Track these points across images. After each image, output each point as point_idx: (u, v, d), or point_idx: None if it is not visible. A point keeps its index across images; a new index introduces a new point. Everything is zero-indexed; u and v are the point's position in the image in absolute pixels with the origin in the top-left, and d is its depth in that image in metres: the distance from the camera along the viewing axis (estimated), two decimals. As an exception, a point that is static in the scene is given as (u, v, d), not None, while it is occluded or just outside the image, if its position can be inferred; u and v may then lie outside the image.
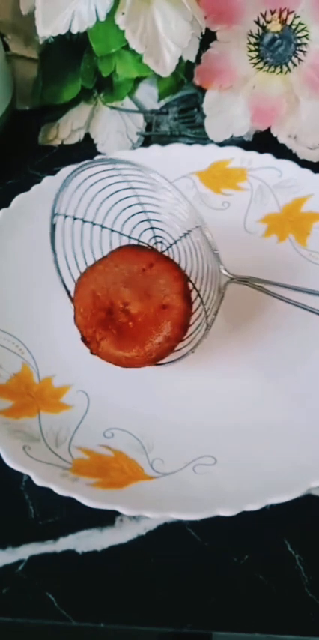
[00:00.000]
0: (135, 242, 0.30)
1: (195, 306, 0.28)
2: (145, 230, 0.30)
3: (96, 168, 0.28)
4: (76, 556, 0.25)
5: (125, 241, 0.30)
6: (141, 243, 0.30)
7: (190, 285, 0.28)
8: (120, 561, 0.25)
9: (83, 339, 0.28)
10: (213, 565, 0.25)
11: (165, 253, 0.30)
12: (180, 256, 0.29)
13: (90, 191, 0.29)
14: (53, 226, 0.30)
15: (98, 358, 0.28)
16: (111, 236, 0.30)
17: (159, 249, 0.30)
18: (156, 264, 0.28)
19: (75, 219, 0.30)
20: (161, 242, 0.30)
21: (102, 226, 0.30)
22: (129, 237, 0.30)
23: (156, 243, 0.30)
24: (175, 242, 0.29)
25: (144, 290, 0.27)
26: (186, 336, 0.28)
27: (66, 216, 0.29)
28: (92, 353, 0.28)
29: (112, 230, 0.30)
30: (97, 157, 0.27)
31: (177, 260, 0.29)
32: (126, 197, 0.29)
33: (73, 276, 0.30)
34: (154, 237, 0.30)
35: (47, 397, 0.29)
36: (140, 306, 0.27)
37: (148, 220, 0.30)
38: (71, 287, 0.30)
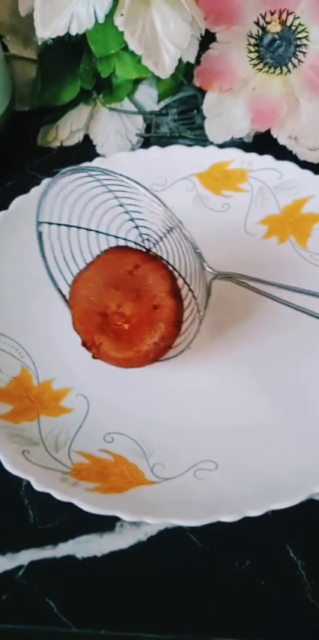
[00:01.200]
0: (122, 241, 0.30)
1: (187, 300, 0.28)
2: (131, 229, 0.30)
3: (73, 176, 0.28)
4: (76, 562, 0.25)
5: (112, 241, 0.31)
6: (127, 244, 0.30)
7: (181, 280, 0.28)
8: (121, 567, 0.25)
9: (84, 344, 0.28)
10: (214, 571, 0.24)
11: (153, 249, 0.30)
12: (168, 252, 0.29)
13: (71, 197, 0.29)
14: (39, 234, 0.30)
15: (99, 361, 0.28)
16: (98, 237, 0.30)
17: (147, 247, 0.30)
18: (142, 265, 0.28)
19: (59, 225, 0.30)
20: (147, 239, 0.30)
21: (87, 229, 0.30)
22: (116, 237, 0.31)
23: (143, 240, 0.30)
24: (161, 238, 0.29)
25: (135, 291, 0.27)
26: (181, 332, 0.28)
27: (50, 224, 0.30)
28: (94, 357, 0.28)
29: (98, 232, 0.30)
30: (68, 168, 0.28)
31: (165, 256, 0.29)
32: (107, 200, 0.29)
33: (67, 281, 0.30)
34: (140, 235, 0.30)
35: (47, 401, 0.29)
36: (133, 308, 0.27)
37: (132, 220, 0.30)
38: (66, 292, 0.30)
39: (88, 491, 0.25)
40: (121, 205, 0.30)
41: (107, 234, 0.30)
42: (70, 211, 0.30)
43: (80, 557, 0.25)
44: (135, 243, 0.30)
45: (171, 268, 0.28)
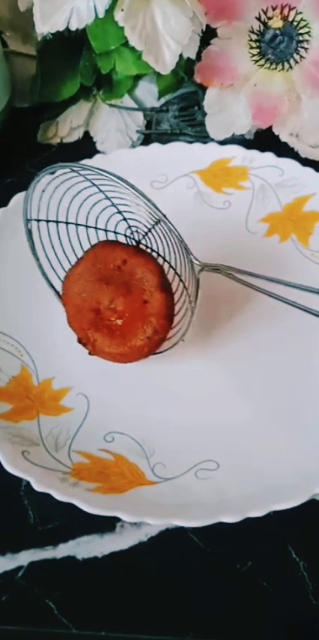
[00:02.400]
0: (112, 234, 0.30)
1: (179, 292, 0.28)
2: (119, 222, 0.30)
3: (59, 173, 0.28)
4: (76, 562, 0.25)
5: (102, 235, 0.30)
6: (117, 237, 0.30)
7: (172, 272, 0.28)
8: (121, 568, 0.24)
9: (79, 341, 0.28)
10: (215, 572, 0.24)
11: (143, 241, 0.30)
12: (157, 244, 0.29)
13: (57, 194, 0.29)
14: (29, 232, 0.30)
15: (99, 360, 0.28)
16: (88, 232, 0.30)
17: (137, 238, 0.30)
18: (130, 260, 0.28)
19: (48, 222, 0.30)
20: (136, 231, 0.30)
21: (76, 224, 0.30)
22: (106, 231, 0.30)
23: (132, 232, 0.30)
24: (149, 230, 0.29)
25: (125, 286, 0.27)
26: (174, 324, 0.28)
27: (39, 221, 0.30)
28: (90, 354, 0.28)
29: (87, 226, 0.30)
30: (47, 167, 0.28)
31: (155, 247, 0.29)
32: (93, 194, 0.29)
33: (60, 278, 0.29)
34: (129, 227, 0.30)
35: (47, 400, 0.28)
36: (124, 302, 0.27)
37: (119, 212, 0.30)
38: (59, 288, 0.29)
39: (89, 491, 0.25)
40: (108, 199, 0.29)
41: (96, 227, 0.30)
42: (57, 208, 0.30)
43: (80, 557, 0.25)
44: (125, 235, 0.30)
45: (160, 261, 0.28)
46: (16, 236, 0.34)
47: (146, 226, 0.29)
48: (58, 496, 0.24)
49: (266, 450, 0.26)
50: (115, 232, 0.30)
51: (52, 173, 0.28)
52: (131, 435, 0.27)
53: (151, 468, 0.26)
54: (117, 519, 0.25)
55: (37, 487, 0.24)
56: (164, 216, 0.26)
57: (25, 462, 0.25)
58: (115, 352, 0.27)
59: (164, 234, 0.28)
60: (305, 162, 0.36)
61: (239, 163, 0.37)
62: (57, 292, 0.30)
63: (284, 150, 0.37)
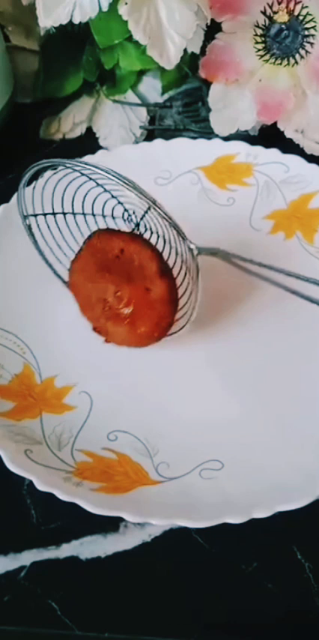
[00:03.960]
0: (110, 218, 0.30)
1: (181, 274, 0.28)
2: (115, 206, 0.30)
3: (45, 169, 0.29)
4: (79, 563, 0.24)
5: (100, 221, 0.30)
6: (113, 223, 0.30)
7: (172, 253, 0.28)
8: (125, 568, 0.24)
9: (95, 330, 0.28)
10: (220, 573, 0.24)
11: (141, 223, 0.29)
12: (156, 225, 0.29)
13: (48, 187, 0.29)
14: (28, 228, 0.30)
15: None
16: (86, 219, 0.30)
17: (135, 221, 0.30)
18: (127, 247, 0.27)
19: (45, 215, 0.30)
20: (134, 213, 0.30)
21: (73, 213, 0.30)
22: (103, 216, 0.30)
23: (129, 215, 0.30)
24: (146, 212, 0.29)
25: (126, 274, 0.27)
26: (180, 306, 0.28)
27: (36, 215, 0.30)
28: (106, 342, 0.28)
29: (84, 214, 0.30)
30: (33, 165, 0.28)
31: (154, 228, 0.29)
32: (83, 183, 0.29)
33: (66, 266, 0.30)
34: (126, 210, 0.30)
35: (49, 398, 0.28)
36: (129, 290, 0.27)
37: (114, 197, 0.30)
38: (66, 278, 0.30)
39: (92, 491, 0.24)
40: (100, 186, 0.29)
41: (93, 214, 0.30)
42: (51, 200, 0.30)
43: (83, 558, 0.24)
44: (123, 219, 0.30)
45: (160, 242, 0.28)
46: (18, 232, 0.33)
47: (142, 209, 0.29)
48: (61, 496, 0.24)
49: (272, 449, 0.26)
50: (113, 217, 0.30)
51: (39, 172, 0.28)
52: (134, 433, 0.27)
53: (155, 467, 0.26)
54: (121, 519, 0.24)
55: (40, 486, 0.24)
56: (154, 202, 0.26)
57: (27, 461, 0.25)
58: (128, 339, 0.27)
59: (161, 217, 0.28)
60: (311, 158, 0.36)
61: (243, 160, 0.37)
62: (65, 283, 0.30)
63: (289, 146, 0.36)
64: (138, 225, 0.30)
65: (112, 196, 0.30)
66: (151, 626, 0.23)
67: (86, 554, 0.25)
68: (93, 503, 0.23)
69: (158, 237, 0.28)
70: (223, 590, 0.24)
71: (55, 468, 0.25)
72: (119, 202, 0.30)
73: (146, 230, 0.29)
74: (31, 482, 0.24)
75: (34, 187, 0.30)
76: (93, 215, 0.30)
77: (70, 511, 0.24)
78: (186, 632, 0.23)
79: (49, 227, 0.30)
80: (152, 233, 0.29)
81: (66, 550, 0.25)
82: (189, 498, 0.24)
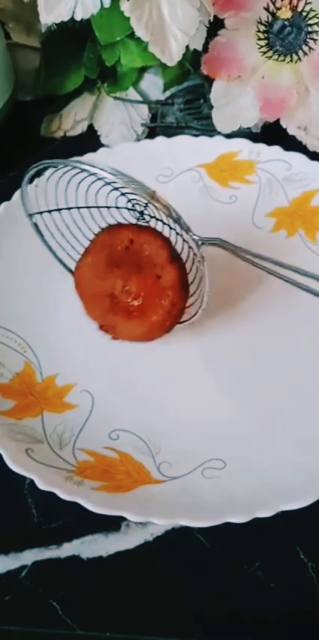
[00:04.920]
0: (114, 209, 0.30)
1: (190, 260, 0.28)
2: (118, 197, 0.30)
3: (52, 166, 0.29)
4: (80, 562, 0.24)
5: (104, 212, 0.30)
6: (117, 213, 0.30)
7: (180, 241, 0.28)
8: (127, 568, 0.24)
9: (101, 328, 0.28)
10: (222, 572, 0.24)
11: (146, 212, 0.30)
12: (161, 214, 0.29)
13: (51, 183, 0.29)
14: (35, 226, 0.30)
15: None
16: (91, 212, 0.30)
17: (138, 210, 0.30)
18: (136, 238, 0.27)
19: (50, 212, 0.30)
20: (137, 203, 0.30)
21: (78, 207, 0.30)
22: (108, 207, 0.30)
23: (133, 205, 0.30)
24: (147, 203, 0.29)
25: (136, 265, 0.27)
26: (191, 293, 0.28)
27: (41, 213, 0.30)
28: (113, 339, 0.28)
29: (89, 207, 0.30)
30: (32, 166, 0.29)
31: (160, 216, 0.29)
32: (85, 177, 0.29)
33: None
34: (129, 200, 0.30)
35: (50, 397, 0.28)
36: (138, 282, 0.27)
37: (116, 189, 0.30)
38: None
39: (93, 490, 0.24)
40: (102, 179, 0.29)
41: (98, 206, 0.30)
42: (55, 196, 0.30)
43: (85, 557, 0.24)
44: (127, 208, 0.30)
45: (166, 229, 0.28)
46: (20, 231, 0.33)
47: (145, 198, 0.29)
48: (63, 495, 0.24)
49: (275, 448, 0.26)
50: (117, 207, 0.30)
51: (39, 171, 0.28)
52: (136, 432, 0.27)
53: (157, 466, 0.25)
54: (123, 518, 0.24)
55: (41, 485, 0.24)
56: (152, 196, 0.26)
57: (28, 460, 0.25)
58: (138, 332, 0.27)
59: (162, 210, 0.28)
60: (314, 155, 0.36)
61: (245, 157, 0.37)
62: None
63: (291, 143, 0.36)
64: (142, 213, 0.29)
65: (115, 188, 0.30)
66: (153, 625, 0.23)
67: (87, 553, 0.24)
68: (95, 503, 0.23)
69: (163, 225, 0.28)
70: (225, 589, 0.24)
71: (56, 467, 0.25)
72: (122, 194, 0.30)
73: (151, 218, 0.29)
74: (32, 481, 0.24)
75: (36, 185, 0.30)
76: (98, 207, 0.30)
77: (71, 510, 0.24)
78: (187, 632, 0.23)
79: (55, 223, 0.30)
80: (157, 221, 0.29)
81: (67, 549, 0.25)
82: (191, 498, 0.24)
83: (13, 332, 0.30)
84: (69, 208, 0.30)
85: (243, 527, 0.23)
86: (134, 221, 0.30)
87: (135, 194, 0.29)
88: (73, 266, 0.30)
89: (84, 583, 0.24)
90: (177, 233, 0.28)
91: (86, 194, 0.30)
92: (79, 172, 0.28)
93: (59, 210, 0.30)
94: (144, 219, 0.30)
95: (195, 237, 0.28)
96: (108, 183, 0.29)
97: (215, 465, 0.25)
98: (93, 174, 0.27)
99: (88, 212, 0.30)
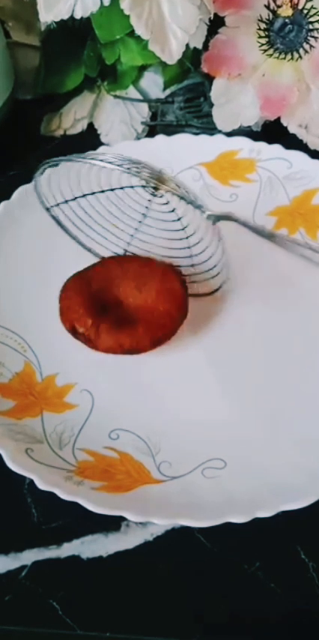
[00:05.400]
0: (129, 189, 0.31)
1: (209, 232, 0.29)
2: (132, 177, 0.30)
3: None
4: (80, 562, 0.24)
5: (120, 194, 0.31)
6: (132, 190, 0.31)
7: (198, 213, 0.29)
8: (127, 568, 0.24)
9: (74, 332, 0.28)
10: (222, 572, 0.24)
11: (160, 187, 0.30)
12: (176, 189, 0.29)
13: (62, 174, 0.31)
14: (55, 219, 0.31)
15: (103, 356, 0.27)
16: (107, 195, 0.31)
17: (152, 186, 0.30)
18: (136, 265, 0.29)
19: (67, 202, 0.31)
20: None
21: (93, 193, 0.31)
22: (122, 188, 0.31)
23: (147, 182, 0.30)
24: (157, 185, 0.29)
25: (137, 286, 0.28)
26: (213, 265, 0.29)
27: (58, 205, 0.31)
28: (90, 346, 0.27)
29: (104, 191, 0.31)
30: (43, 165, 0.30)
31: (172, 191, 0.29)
32: (92, 162, 0.29)
33: (104, 245, 0.32)
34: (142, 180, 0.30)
35: (50, 397, 0.28)
36: (136, 297, 0.28)
37: (127, 171, 0.29)
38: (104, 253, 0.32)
39: (93, 490, 0.24)
40: (111, 163, 0.29)
41: (111, 189, 0.31)
42: (68, 185, 0.31)
43: (85, 557, 0.24)
44: (142, 187, 0.31)
45: (180, 207, 0.29)
46: (19, 230, 0.33)
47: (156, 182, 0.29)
48: (63, 495, 0.24)
49: (275, 448, 0.26)
50: (132, 187, 0.31)
51: (52, 166, 0.29)
52: (136, 432, 0.27)
53: (157, 466, 0.25)
54: (123, 518, 0.24)
55: (41, 485, 0.24)
56: (159, 179, 0.27)
57: (28, 460, 0.25)
58: (125, 339, 0.27)
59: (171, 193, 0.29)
60: (314, 154, 0.36)
61: (246, 155, 0.37)
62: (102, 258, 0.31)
63: (292, 142, 0.36)
64: (156, 189, 0.29)
65: (125, 171, 0.30)
66: (153, 625, 0.23)
67: (87, 553, 0.24)
68: (95, 503, 0.23)
69: (180, 199, 0.28)
70: (225, 589, 0.23)
71: (56, 466, 0.25)
72: (133, 175, 0.30)
73: (166, 192, 0.29)
74: (31, 481, 0.24)
75: (49, 178, 0.31)
76: (112, 190, 0.31)
77: (71, 510, 0.24)
78: (187, 632, 0.23)
79: (75, 212, 0.31)
80: (172, 194, 0.29)
81: (67, 549, 0.24)
82: (191, 497, 0.24)
83: (13, 331, 0.30)
84: (84, 195, 0.31)
85: (243, 527, 0.23)
86: (149, 198, 0.31)
87: (147, 179, 0.29)
88: (99, 249, 0.31)
89: (84, 583, 0.24)
90: (195, 207, 0.28)
91: (99, 180, 0.30)
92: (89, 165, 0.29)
93: (74, 198, 0.31)
94: (157, 195, 0.30)
95: (207, 212, 0.28)
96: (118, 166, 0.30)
97: (215, 465, 0.25)
98: (101, 159, 0.28)
99: (104, 196, 0.31)
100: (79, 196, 0.31)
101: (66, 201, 0.31)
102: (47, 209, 0.31)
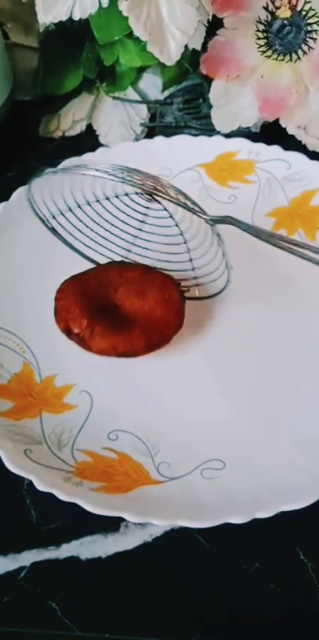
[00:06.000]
0: (124, 197, 0.31)
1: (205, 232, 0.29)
2: (126, 184, 0.30)
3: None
4: (79, 563, 0.24)
5: (115, 202, 0.31)
6: (127, 198, 0.31)
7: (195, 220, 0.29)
8: (126, 569, 0.24)
9: (68, 332, 0.28)
10: (221, 573, 0.24)
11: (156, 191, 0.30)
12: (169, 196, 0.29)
13: (55, 186, 0.30)
14: (53, 230, 0.31)
15: (103, 357, 0.27)
16: (102, 204, 0.31)
17: (147, 192, 0.30)
18: (136, 274, 0.29)
19: (62, 213, 0.31)
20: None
21: (88, 203, 0.31)
22: (117, 197, 0.31)
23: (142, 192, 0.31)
24: (153, 190, 0.29)
25: (134, 292, 0.28)
26: (215, 269, 0.29)
27: (54, 217, 0.31)
28: (84, 347, 0.27)
29: (99, 200, 0.31)
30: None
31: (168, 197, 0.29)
32: (84, 173, 0.29)
33: (102, 254, 0.31)
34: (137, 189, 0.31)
35: (49, 397, 0.28)
36: (134, 303, 0.28)
37: (122, 181, 0.30)
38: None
39: (92, 491, 0.24)
40: (105, 172, 0.29)
41: (107, 198, 0.31)
42: (61, 196, 0.31)
43: (84, 558, 0.24)
44: (136, 194, 0.31)
45: (177, 212, 0.29)
46: (18, 231, 0.33)
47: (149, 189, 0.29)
48: (61, 496, 0.24)
49: (274, 449, 0.26)
50: (127, 195, 0.31)
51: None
52: (135, 433, 0.27)
53: (156, 467, 0.25)
54: (122, 519, 0.24)
55: (40, 486, 0.24)
56: (155, 188, 0.27)
57: (27, 461, 0.25)
58: (119, 340, 0.27)
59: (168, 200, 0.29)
60: (313, 155, 0.36)
61: (245, 157, 0.37)
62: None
63: (291, 143, 0.36)
64: (152, 195, 0.29)
65: (119, 180, 0.30)
66: (152, 626, 0.23)
67: (86, 554, 0.24)
68: (94, 504, 0.23)
69: (177, 192, 0.28)
70: (225, 590, 0.23)
71: (55, 467, 0.25)
72: (129, 184, 0.30)
73: (162, 194, 0.29)
74: (30, 482, 0.24)
75: (42, 192, 0.31)
76: (107, 198, 0.31)
77: (70, 511, 0.23)
78: (187, 633, 0.23)
79: (70, 222, 0.31)
80: (169, 197, 0.28)
81: (66, 550, 0.24)
82: (190, 498, 0.24)
83: (12, 332, 0.30)
84: (79, 206, 0.31)
85: (243, 527, 0.23)
86: (145, 204, 0.31)
87: (139, 188, 0.29)
88: (95, 257, 0.31)
89: (83, 584, 0.24)
90: (192, 212, 0.28)
91: (93, 190, 0.30)
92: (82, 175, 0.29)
93: (69, 209, 0.31)
94: (154, 200, 0.30)
95: (204, 217, 0.28)
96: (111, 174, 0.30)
97: (214, 466, 0.25)
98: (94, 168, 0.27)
99: (100, 205, 0.31)
100: (73, 207, 0.31)
101: (61, 213, 0.31)
102: (43, 221, 0.31)
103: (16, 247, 0.33)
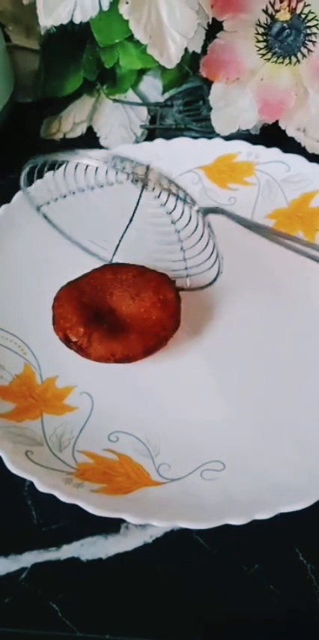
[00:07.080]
0: (117, 184, 0.31)
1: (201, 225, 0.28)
2: (117, 174, 0.30)
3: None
4: (80, 564, 0.24)
5: (108, 189, 0.31)
6: (119, 181, 0.31)
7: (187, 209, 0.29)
8: (126, 570, 0.24)
9: (67, 341, 0.28)
10: (221, 574, 0.24)
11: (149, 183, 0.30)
12: (161, 185, 0.29)
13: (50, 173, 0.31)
14: (45, 217, 0.31)
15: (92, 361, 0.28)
16: (94, 192, 0.31)
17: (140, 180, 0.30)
18: (130, 275, 0.29)
19: (56, 200, 0.31)
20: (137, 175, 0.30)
21: (82, 190, 0.31)
22: (110, 185, 0.31)
23: (134, 178, 0.30)
24: (145, 182, 0.29)
25: (129, 294, 0.28)
26: (207, 258, 0.28)
27: (48, 203, 0.31)
28: (83, 354, 0.28)
29: (92, 187, 0.31)
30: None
31: (159, 186, 0.29)
32: (77, 160, 0.29)
33: (96, 243, 0.31)
34: (128, 175, 0.30)
35: (50, 399, 0.28)
36: (129, 306, 0.28)
37: (113, 168, 0.29)
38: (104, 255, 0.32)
39: (93, 492, 0.24)
40: (96, 159, 0.29)
41: (100, 185, 0.31)
42: (55, 184, 0.31)
43: (84, 559, 0.24)
44: (127, 174, 0.30)
45: (169, 202, 0.29)
46: (20, 233, 0.34)
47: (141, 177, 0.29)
48: (62, 497, 0.24)
49: (274, 450, 0.26)
50: (119, 182, 0.30)
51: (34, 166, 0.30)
52: (136, 434, 0.27)
53: (156, 468, 0.26)
54: (122, 520, 0.24)
55: (41, 488, 0.24)
56: (146, 180, 0.27)
57: (28, 462, 0.25)
58: (117, 346, 0.27)
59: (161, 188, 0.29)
60: (312, 157, 0.36)
61: (244, 159, 0.37)
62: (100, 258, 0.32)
63: (290, 145, 0.36)
64: (145, 185, 0.29)
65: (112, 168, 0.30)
66: (152, 627, 0.23)
67: (87, 555, 0.24)
68: (94, 505, 0.23)
69: (169, 194, 0.28)
70: (224, 591, 0.24)
71: (56, 469, 0.25)
72: (120, 172, 0.30)
73: (154, 189, 0.29)
74: (31, 483, 0.24)
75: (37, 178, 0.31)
76: (101, 186, 0.30)
77: (70, 512, 0.24)
78: (187, 633, 0.23)
79: (64, 209, 0.31)
80: (161, 190, 0.29)
81: (67, 551, 0.25)
82: (190, 499, 0.24)
83: (13, 334, 0.30)
84: (73, 192, 0.30)
85: (242, 529, 0.23)
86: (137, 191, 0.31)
87: (132, 174, 0.29)
88: (92, 248, 0.31)
89: (84, 585, 0.24)
90: (184, 201, 0.28)
91: (85, 177, 0.30)
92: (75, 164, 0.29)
93: (64, 197, 0.31)
94: (147, 189, 0.30)
95: (195, 207, 0.28)
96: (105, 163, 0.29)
97: (214, 467, 0.25)
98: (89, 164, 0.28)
99: (92, 192, 0.31)
100: (67, 194, 0.31)
101: (55, 199, 0.31)
102: (37, 208, 0.31)
103: (17, 249, 0.33)
